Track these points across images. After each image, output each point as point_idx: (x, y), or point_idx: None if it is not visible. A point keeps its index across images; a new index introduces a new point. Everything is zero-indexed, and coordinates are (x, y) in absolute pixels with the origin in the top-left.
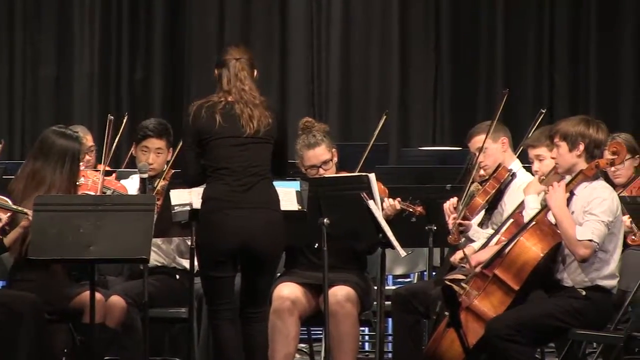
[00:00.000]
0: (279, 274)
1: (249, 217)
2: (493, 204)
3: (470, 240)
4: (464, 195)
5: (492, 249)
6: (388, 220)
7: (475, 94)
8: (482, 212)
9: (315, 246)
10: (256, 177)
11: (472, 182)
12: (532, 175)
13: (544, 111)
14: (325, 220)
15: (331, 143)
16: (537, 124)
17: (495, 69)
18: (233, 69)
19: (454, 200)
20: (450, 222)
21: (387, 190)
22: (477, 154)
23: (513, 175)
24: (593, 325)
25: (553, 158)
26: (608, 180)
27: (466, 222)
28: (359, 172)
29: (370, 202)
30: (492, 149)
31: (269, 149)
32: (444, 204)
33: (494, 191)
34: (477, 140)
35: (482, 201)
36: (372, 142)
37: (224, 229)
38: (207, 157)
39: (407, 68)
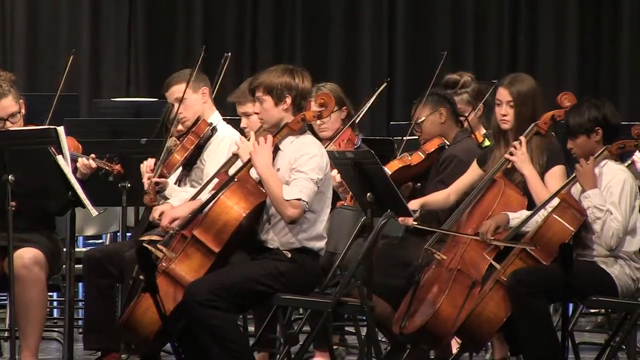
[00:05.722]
0: None
1: None
2: (192, 160)
3: (166, 200)
4: (162, 151)
5: (190, 205)
6: (83, 179)
7: (172, 43)
8: (180, 169)
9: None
10: None
11: (171, 136)
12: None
13: (228, 54)
14: (10, 177)
15: (18, 94)
16: (222, 73)
17: (193, 16)
18: None
19: (151, 162)
20: (145, 181)
21: (81, 147)
22: (176, 104)
23: (214, 130)
24: (299, 289)
25: (256, 113)
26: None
27: (162, 180)
28: (48, 125)
29: (59, 157)
30: (192, 99)
31: None
32: (141, 166)
33: (193, 147)
34: (175, 90)
35: (180, 158)
36: (60, 88)
37: None
38: None
39: (98, 16)
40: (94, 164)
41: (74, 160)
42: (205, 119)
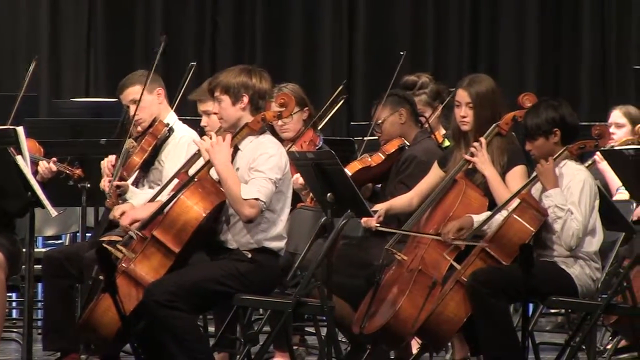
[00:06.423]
0: None
1: None
2: (149, 161)
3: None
4: (121, 154)
5: (150, 207)
6: (43, 182)
7: (131, 44)
8: (137, 171)
9: None
10: None
11: (129, 138)
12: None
13: (194, 64)
14: None
15: None
16: (188, 79)
17: (152, 16)
18: None
19: (112, 158)
20: (106, 185)
21: (42, 150)
22: (132, 106)
23: (170, 130)
24: (259, 289)
25: (215, 113)
26: (275, 134)
27: (123, 183)
28: (9, 125)
29: (19, 158)
30: (147, 101)
31: None
32: (102, 162)
33: (150, 148)
34: (130, 92)
35: (140, 160)
36: (22, 92)
37: None
38: None
39: (57, 16)
40: (54, 168)
41: (34, 163)
42: (162, 120)
